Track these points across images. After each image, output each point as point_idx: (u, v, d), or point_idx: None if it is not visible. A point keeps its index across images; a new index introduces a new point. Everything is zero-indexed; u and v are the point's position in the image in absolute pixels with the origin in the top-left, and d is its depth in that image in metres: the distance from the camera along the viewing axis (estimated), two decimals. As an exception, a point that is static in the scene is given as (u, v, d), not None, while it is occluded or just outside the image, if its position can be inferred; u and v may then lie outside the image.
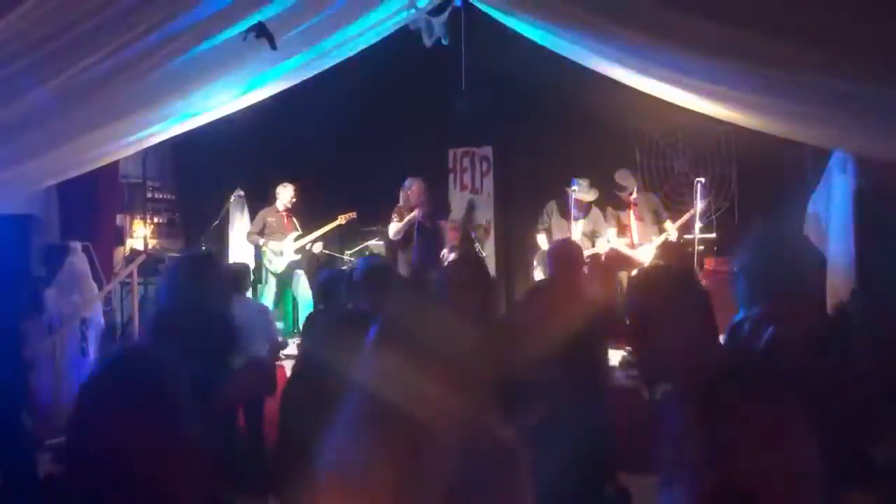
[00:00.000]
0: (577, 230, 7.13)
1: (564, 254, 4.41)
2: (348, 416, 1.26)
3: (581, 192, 7.08)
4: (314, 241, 7.91)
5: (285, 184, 7.92)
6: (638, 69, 5.50)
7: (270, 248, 7.83)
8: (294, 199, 7.92)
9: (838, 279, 6.25)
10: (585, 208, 7.22)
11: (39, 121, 4.78)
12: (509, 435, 1.37)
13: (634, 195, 7.02)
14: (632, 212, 7.03)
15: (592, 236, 7.17)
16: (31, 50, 3.99)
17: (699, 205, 6.64)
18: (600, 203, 7.25)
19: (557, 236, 7.18)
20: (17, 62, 4.04)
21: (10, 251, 5.59)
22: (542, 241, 7.31)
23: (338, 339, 3.12)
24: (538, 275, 7.32)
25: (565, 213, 7.23)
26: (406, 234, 7.11)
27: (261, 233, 7.90)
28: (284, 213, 7.94)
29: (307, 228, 7.99)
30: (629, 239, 7.00)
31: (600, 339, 3.82)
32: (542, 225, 7.38)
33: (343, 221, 7.92)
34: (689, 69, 4.98)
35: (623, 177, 7.05)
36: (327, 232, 7.95)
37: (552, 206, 7.37)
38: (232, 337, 3.04)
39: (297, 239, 7.90)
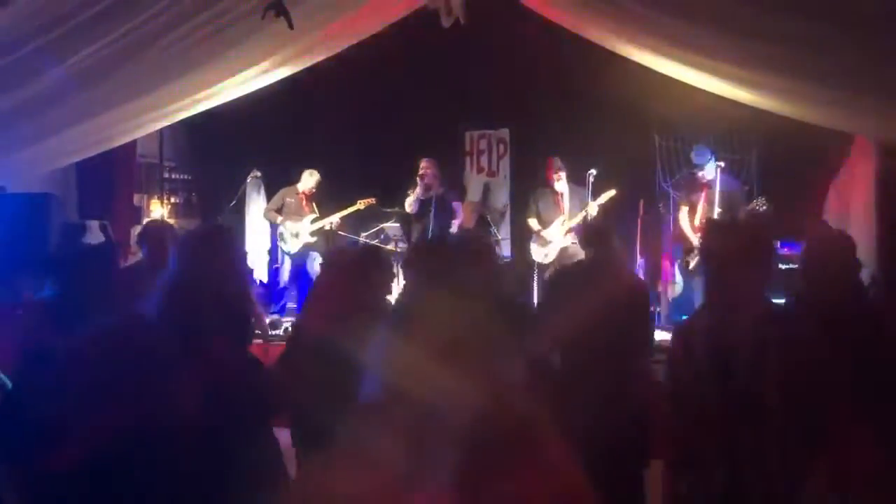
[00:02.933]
0: (565, 205, 7.22)
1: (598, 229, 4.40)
2: (362, 399, 1.25)
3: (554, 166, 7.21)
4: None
5: (312, 171, 7.93)
6: (658, 50, 5.45)
7: (287, 229, 7.86)
8: (314, 190, 7.94)
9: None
10: (565, 178, 7.26)
11: (58, 100, 4.81)
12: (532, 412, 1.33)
13: (711, 176, 6.67)
14: (704, 193, 6.71)
15: (582, 208, 7.13)
16: (50, 29, 4.00)
17: (717, 189, 6.55)
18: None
19: (548, 212, 7.30)
20: (36, 41, 4.05)
21: (29, 229, 5.63)
22: (534, 223, 7.39)
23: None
24: (536, 256, 7.41)
25: (550, 187, 7.32)
26: (420, 209, 7.33)
27: (279, 211, 7.94)
28: (304, 196, 7.96)
29: (324, 210, 7.99)
30: (691, 221, 6.78)
31: (636, 320, 3.75)
32: (532, 211, 7.44)
33: (362, 207, 7.91)
34: (711, 51, 4.93)
35: (699, 154, 6.74)
36: (344, 216, 7.96)
37: (537, 191, 7.45)
38: (246, 315, 2.96)
39: (313, 221, 7.91)
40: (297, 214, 7.91)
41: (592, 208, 6.95)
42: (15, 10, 3.78)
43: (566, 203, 7.23)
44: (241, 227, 9.00)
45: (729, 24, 4.28)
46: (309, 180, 7.95)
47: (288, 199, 7.94)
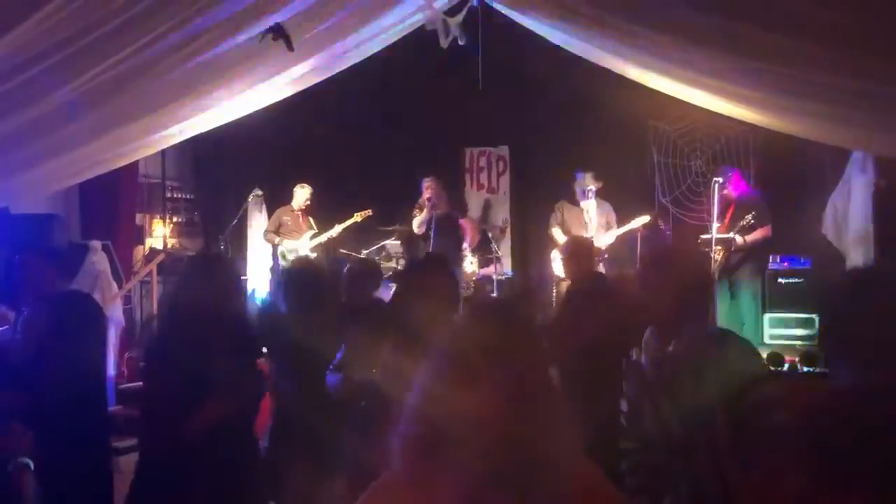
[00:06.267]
0: (591, 223, 7.17)
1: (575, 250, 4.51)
2: (363, 418, 1.28)
3: (585, 181, 7.21)
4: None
5: (303, 184, 7.98)
6: (654, 69, 5.49)
7: (286, 247, 7.89)
8: (309, 201, 7.98)
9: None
10: (594, 195, 7.25)
11: (62, 121, 4.84)
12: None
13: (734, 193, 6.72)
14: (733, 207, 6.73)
15: (608, 227, 7.18)
16: (54, 51, 4.05)
17: (715, 204, 6.57)
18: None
19: (572, 228, 7.28)
20: (41, 63, 4.10)
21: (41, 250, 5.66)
22: (558, 234, 7.36)
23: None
24: (557, 269, 7.39)
25: (576, 203, 7.35)
26: (427, 228, 7.32)
27: (277, 231, 7.97)
28: (300, 213, 8.00)
29: (323, 227, 8.03)
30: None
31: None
32: (555, 220, 7.43)
33: (359, 219, 7.95)
34: (706, 69, 4.97)
35: (722, 171, 6.78)
36: (344, 230, 7.99)
37: (561, 202, 7.46)
38: (243, 338, 3.09)
39: (312, 237, 7.95)
40: (296, 232, 7.95)
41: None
42: (16, 35, 3.82)
43: (593, 221, 7.22)
44: (243, 245, 9.05)
45: (727, 43, 4.31)
46: (302, 194, 7.98)
47: (284, 218, 7.98)
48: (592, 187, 7.20)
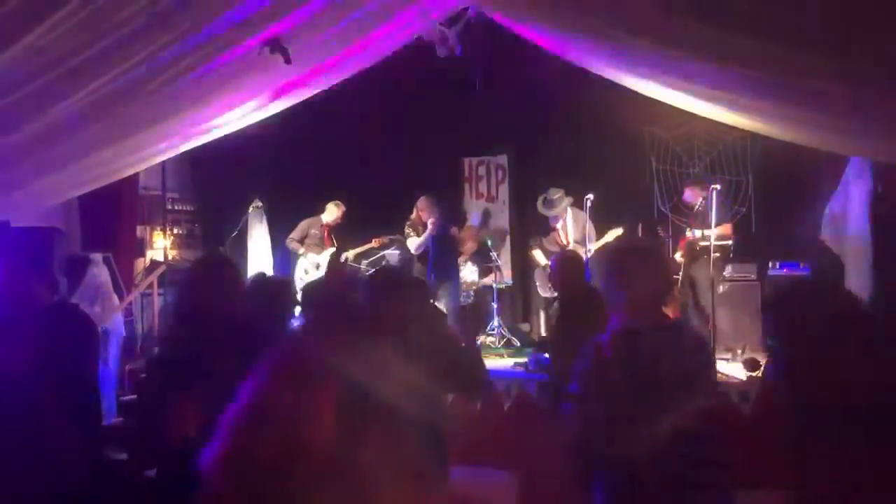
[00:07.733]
0: (570, 237, 7.23)
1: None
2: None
3: (555, 204, 7.31)
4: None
5: (338, 203, 8.12)
6: (651, 77, 5.51)
7: (309, 260, 7.96)
8: (339, 221, 8.10)
9: (856, 283, 6.22)
10: (567, 210, 7.35)
11: (64, 134, 4.87)
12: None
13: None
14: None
15: (584, 242, 7.20)
16: (57, 64, 4.08)
17: (714, 210, 6.59)
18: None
19: (551, 247, 7.38)
20: (44, 76, 4.13)
21: (35, 263, 5.68)
22: (539, 255, 7.43)
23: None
24: (541, 290, 7.43)
25: (553, 231, 7.48)
26: (426, 248, 7.47)
27: (302, 241, 8.07)
28: (327, 227, 8.11)
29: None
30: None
31: None
32: (534, 241, 7.50)
33: (376, 245, 8.10)
34: (703, 77, 4.99)
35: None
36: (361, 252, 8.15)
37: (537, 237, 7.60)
38: (251, 342, 3.06)
39: (332, 255, 8.02)
40: (319, 246, 8.06)
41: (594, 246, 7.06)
42: (17, 50, 3.85)
43: (570, 233, 7.24)
44: (244, 256, 9.06)
45: (719, 51, 4.34)
46: (334, 211, 8.13)
47: (312, 231, 8.09)
48: (564, 204, 7.28)
